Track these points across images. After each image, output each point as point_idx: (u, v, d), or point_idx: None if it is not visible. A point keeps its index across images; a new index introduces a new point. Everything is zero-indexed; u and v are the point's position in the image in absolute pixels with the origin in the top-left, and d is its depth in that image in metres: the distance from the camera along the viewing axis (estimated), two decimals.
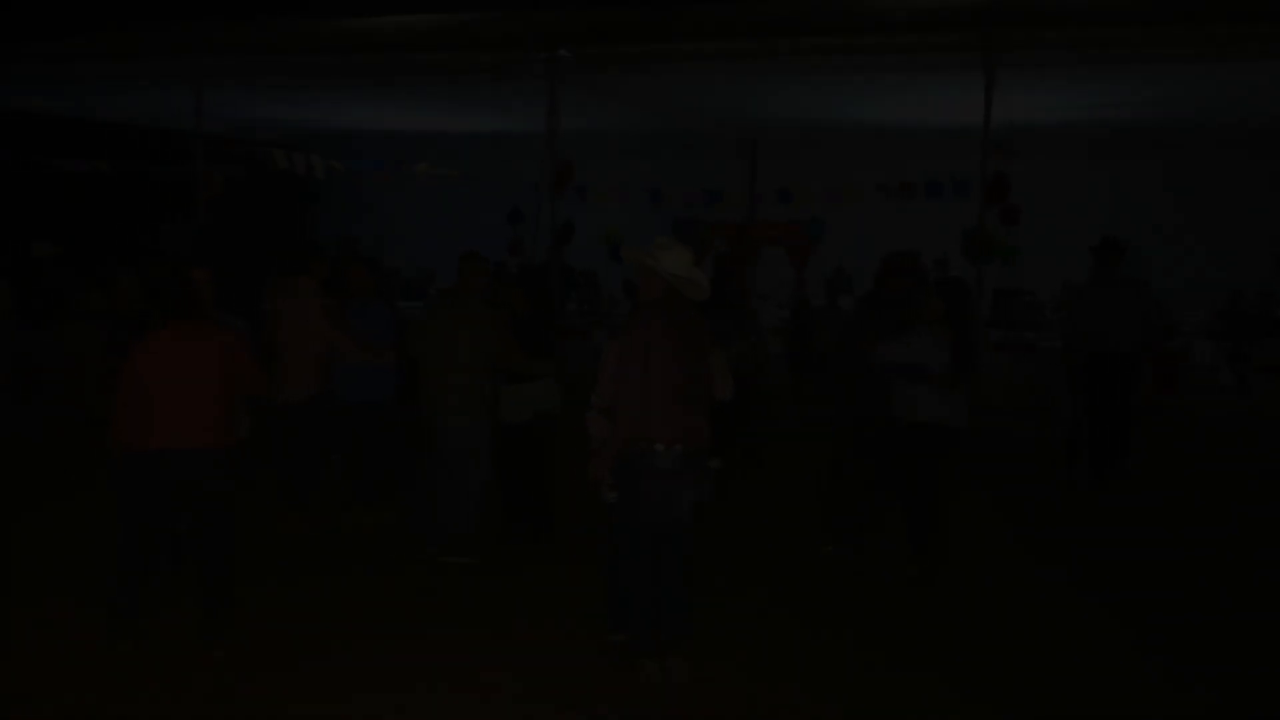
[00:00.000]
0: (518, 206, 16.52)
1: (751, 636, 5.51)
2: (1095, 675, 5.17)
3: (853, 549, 6.67)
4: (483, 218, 17.16)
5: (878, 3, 10.23)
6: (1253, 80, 10.45)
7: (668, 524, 4.95)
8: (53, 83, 12.75)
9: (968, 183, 11.39)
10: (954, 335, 6.31)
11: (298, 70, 11.72)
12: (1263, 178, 14.85)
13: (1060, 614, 5.94)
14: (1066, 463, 8.80)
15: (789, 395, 12.36)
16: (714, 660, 5.14)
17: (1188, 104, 11.92)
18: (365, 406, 7.21)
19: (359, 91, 12.45)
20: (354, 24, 13.06)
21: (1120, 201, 14.43)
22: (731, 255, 10.31)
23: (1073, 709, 4.86)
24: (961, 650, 5.40)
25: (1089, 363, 8.56)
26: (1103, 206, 14.29)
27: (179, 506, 5.15)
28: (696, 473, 4.94)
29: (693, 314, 5.00)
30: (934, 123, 13.45)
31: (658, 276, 4.94)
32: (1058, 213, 13.85)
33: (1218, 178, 15.16)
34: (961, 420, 6.34)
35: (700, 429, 4.93)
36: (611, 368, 4.95)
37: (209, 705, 4.67)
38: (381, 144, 17.35)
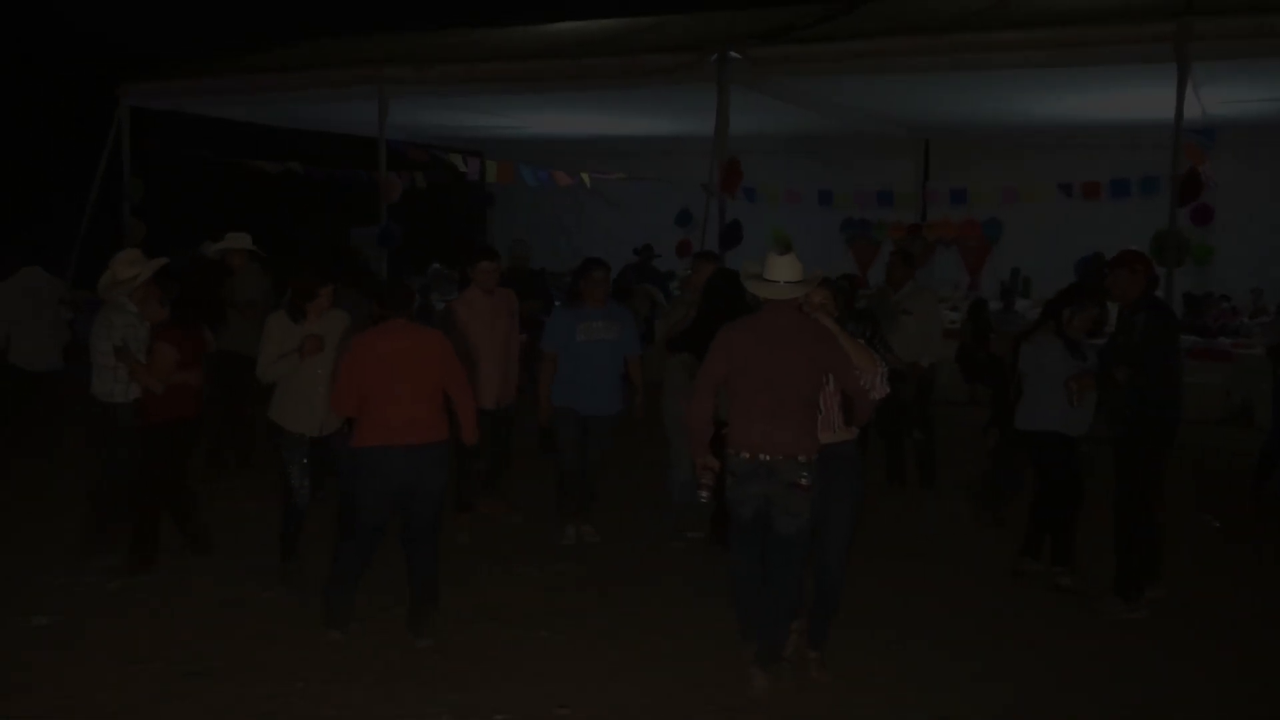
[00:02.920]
0: (686, 208, 16.57)
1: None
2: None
3: None
4: (652, 220, 17.28)
5: None
6: None
7: (780, 532, 4.81)
8: (250, 91, 13.51)
9: (1156, 180, 10.82)
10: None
11: (475, 78, 12.08)
12: None
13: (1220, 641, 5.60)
14: (1257, 476, 8.26)
15: (963, 400, 12.03)
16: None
17: None
18: (601, 419, 6.86)
19: (531, 97, 12.73)
20: (526, 32, 13.40)
21: None
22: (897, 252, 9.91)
23: None
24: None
25: None
26: None
27: (397, 503, 5.29)
28: (776, 483, 4.74)
29: (792, 319, 4.80)
30: (1120, 119, 12.82)
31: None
32: (1253, 212, 13.01)
33: None
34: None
35: (785, 439, 4.71)
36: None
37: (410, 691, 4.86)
38: (553, 148, 17.69)
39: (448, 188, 15.91)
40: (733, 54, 10.47)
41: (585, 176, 14.61)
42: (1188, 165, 9.45)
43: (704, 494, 4.87)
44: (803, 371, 4.74)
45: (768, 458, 4.72)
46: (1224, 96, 10.79)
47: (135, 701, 4.67)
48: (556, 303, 7.13)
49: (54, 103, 20.18)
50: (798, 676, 4.98)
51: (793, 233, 15.05)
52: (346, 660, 5.10)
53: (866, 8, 11.62)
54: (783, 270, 4.80)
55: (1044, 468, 6.38)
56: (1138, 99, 11.27)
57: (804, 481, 4.71)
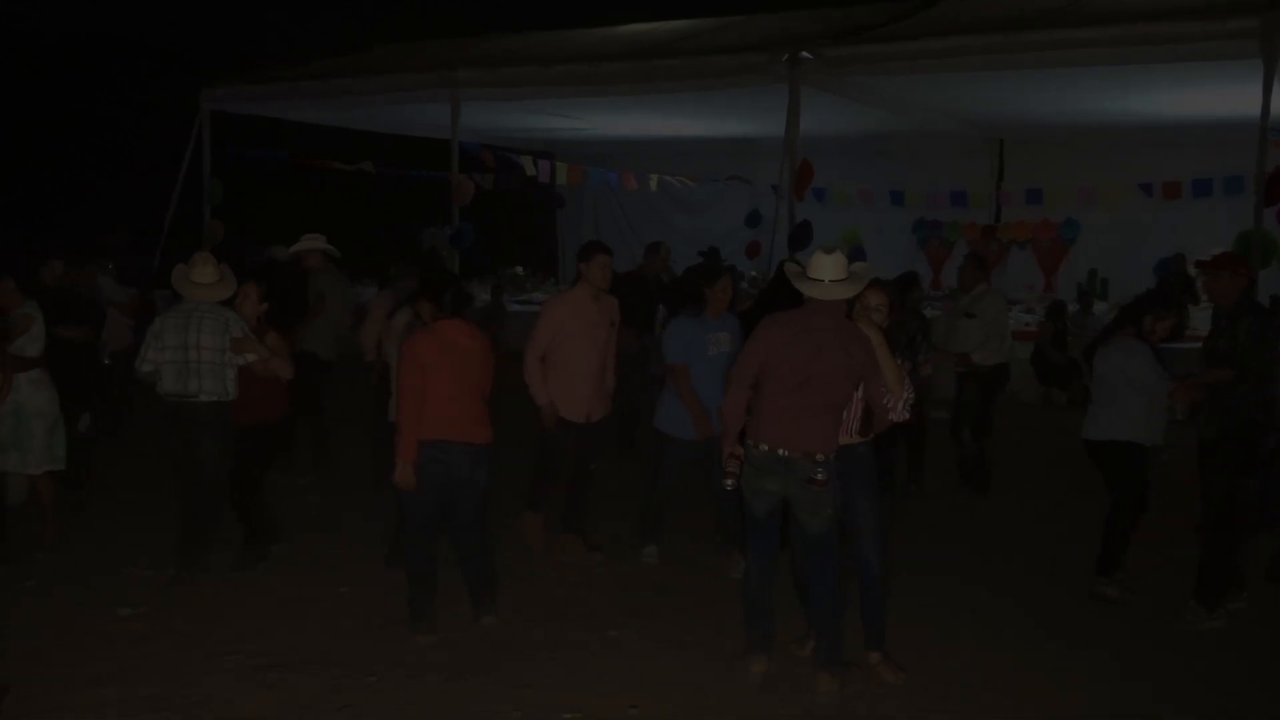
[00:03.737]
0: (756, 209, 16.52)
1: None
2: None
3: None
4: (721, 221, 17.25)
5: None
6: None
7: (808, 532, 4.80)
8: (325, 95, 13.75)
9: (1240, 180, 10.52)
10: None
11: (545, 80, 12.16)
12: None
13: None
14: None
15: (1038, 403, 11.86)
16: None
17: None
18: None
19: (601, 99, 12.78)
20: (596, 35, 13.46)
21: None
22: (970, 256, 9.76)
23: None
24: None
25: None
26: None
27: (445, 498, 5.36)
28: (792, 480, 4.72)
29: (834, 321, 4.74)
30: (1202, 116, 12.50)
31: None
32: None
33: None
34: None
35: (805, 437, 4.71)
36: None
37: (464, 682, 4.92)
38: (622, 149, 17.75)
39: (520, 189, 16.05)
40: (804, 54, 10.41)
41: (654, 179, 14.62)
42: (1274, 164, 9.19)
43: (729, 482, 4.88)
44: (837, 376, 4.72)
45: (785, 453, 4.73)
46: None
47: (216, 691, 4.78)
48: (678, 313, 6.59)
49: (139, 107, 20.75)
50: (868, 679, 4.94)
51: (864, 233, 14.95)
52: (415, 657, 5.17)
53: (939, 6, 11.49)
54: (827, 269, 4.74)
55: (1118, 477, 6.13)
56: (1221, 96, 10.99)
57: (820, 476, 4.69)
